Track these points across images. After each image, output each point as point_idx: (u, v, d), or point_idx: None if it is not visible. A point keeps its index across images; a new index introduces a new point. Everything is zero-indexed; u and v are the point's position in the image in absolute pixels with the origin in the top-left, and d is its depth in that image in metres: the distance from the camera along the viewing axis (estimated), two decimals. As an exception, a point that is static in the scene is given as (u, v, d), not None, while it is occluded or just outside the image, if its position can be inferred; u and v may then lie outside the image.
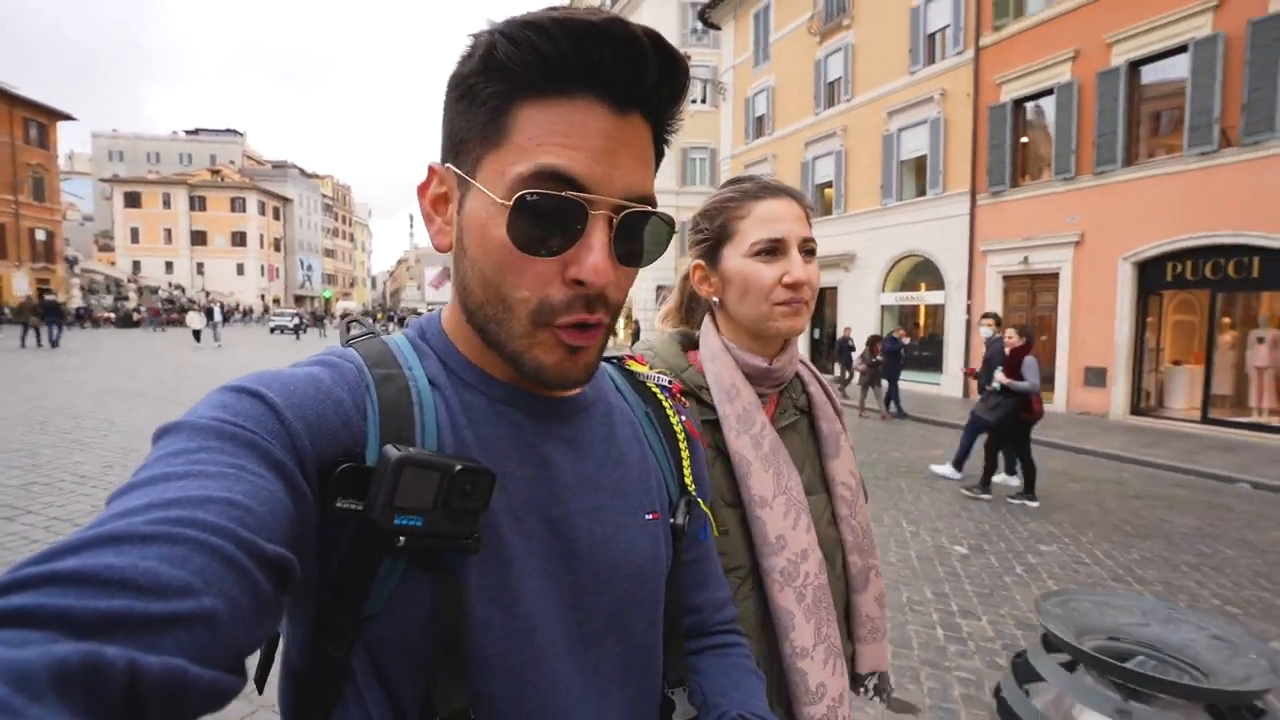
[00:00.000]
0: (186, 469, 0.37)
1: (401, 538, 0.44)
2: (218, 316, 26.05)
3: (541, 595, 0.51)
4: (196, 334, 23.25)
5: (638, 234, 0.50)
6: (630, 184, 0.48)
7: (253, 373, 0.47)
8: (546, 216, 0.46)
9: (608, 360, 0.69)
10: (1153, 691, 0.93)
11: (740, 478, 0.90)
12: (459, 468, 0.45)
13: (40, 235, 34.86)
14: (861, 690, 1.01)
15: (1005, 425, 5.93)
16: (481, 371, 0.54)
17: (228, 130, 70.59)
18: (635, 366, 0.70)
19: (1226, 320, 10.46)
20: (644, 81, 0.46)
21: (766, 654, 0.89)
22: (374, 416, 0.48)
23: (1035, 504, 5.83)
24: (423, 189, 0.53)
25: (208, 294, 52.25)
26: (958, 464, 6.62)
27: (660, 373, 0.71)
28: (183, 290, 53.20)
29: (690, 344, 1.04)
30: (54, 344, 19.61)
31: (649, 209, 0.49)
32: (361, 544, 0.45)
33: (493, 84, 0.46)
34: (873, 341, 11.07)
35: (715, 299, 0.98)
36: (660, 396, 0.68)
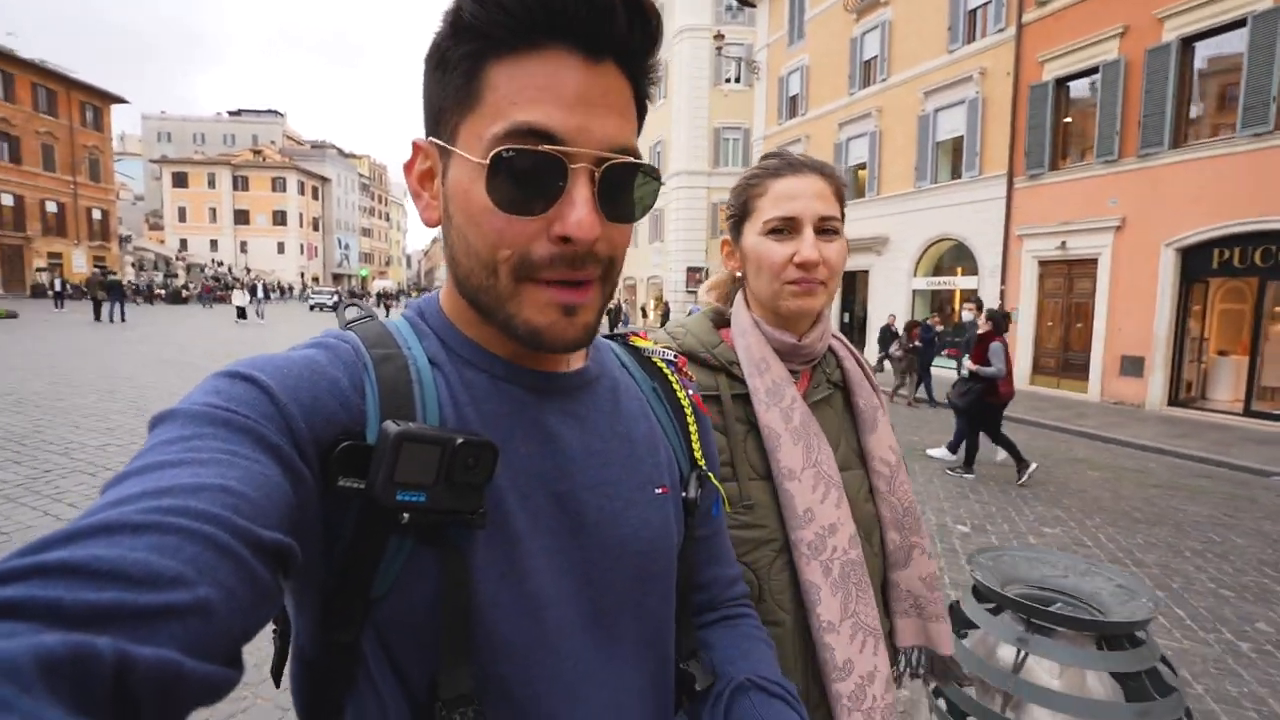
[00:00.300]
0: (180, 456, 0.36)
1: (405, 514, 0.44)
2: (260, 294, 27.05)
3: (551, 572, 0.51)
4: (241, 311, 23.72)
5: (624, 188, 0.48)
6: (610, 135, 0.47)
7: (247, 357, 0.46)
8: (525, 175, 0.45)
9: (611, 337, 0.69)
10: (1055, 626, 1.12)
11: (770, 450, 0.91)
12: (460, 441, 0.44)
13: (96, 214, 36.56)
14: (902, 664, 0.99)
15: (974, 409, 6.03)
16: (481, 348, 0.54)
17: (269, 111, 72.37)
18: (640, 342, 0.70)
19: (1279, 309, 10.11)
20: (613, 27, 0.45)
21: (799, 627, 0.89)
22: (373, 396, 0.47)
23: (971, 476, 6.07)
24: (409, 166, 0.53)
25: (250, 271, 54.03)
26: (952, 447, 6.71)
27: (665, 347, 0.70)
28: (229, 269, 55.11)
29: (723, 321, 1.04)
30: (122, 319, 21.17)
31: (632, 160, 0.48)
32: (366, 523, 0.45)
33: (462, 46, 0.46)
34: (910, 327, 11.03)
35: (739, 274, 1.00)
36: (666, 371, 0.67)
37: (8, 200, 30.75)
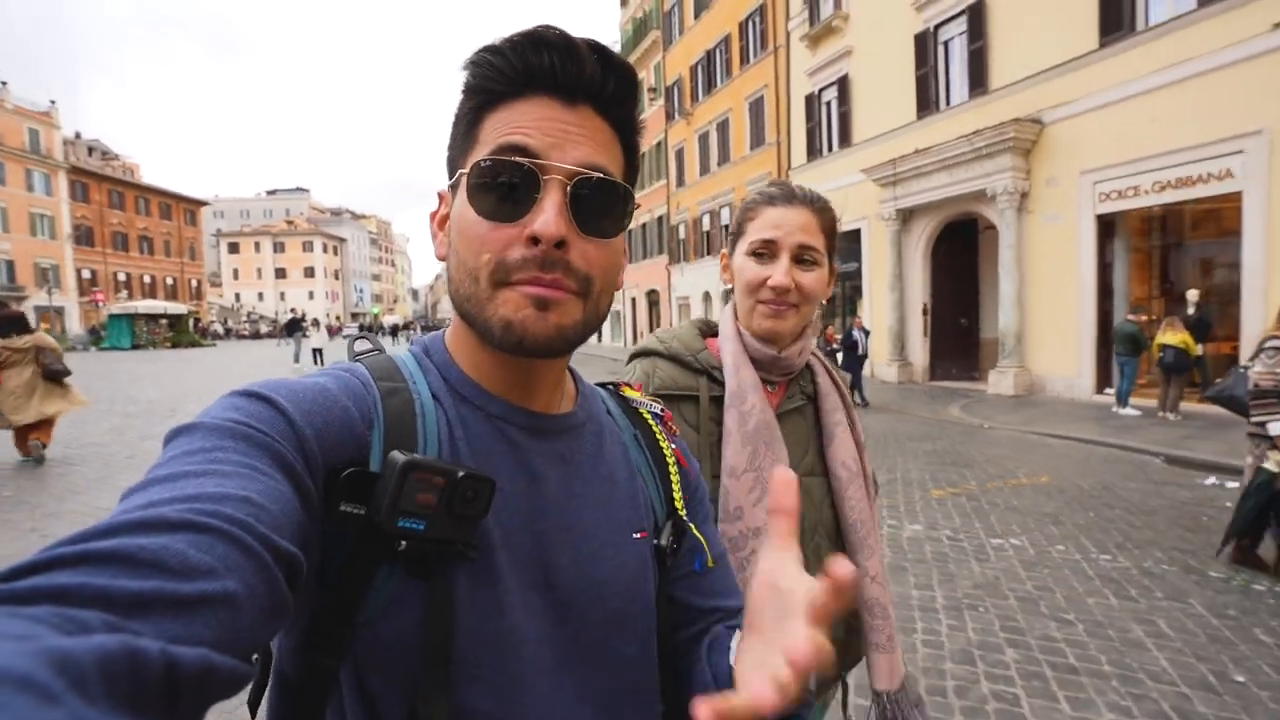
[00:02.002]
0: (203, 467, 0.38)
1: (403, 541, 0.45)
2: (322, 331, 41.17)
3: (527, 610, 0.52)
4: (317, 353, 21.45)
5: (598, 203, 0.52)
6: (583, 157, 0.51)
7: (261, 380, 0.48)
8: (504, 185, 0.50)
9: (602, 385, 0.71)
10: None
11: (722, 446, 0.99)
12: (462, 474, 0.46)
13: (193, 282, 53.93)
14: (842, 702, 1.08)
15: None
16: (478, 386, 0.56)
17: (296, 188, 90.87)
18: (630, 393, 0.72)
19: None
20: (583, 76, 0.51)
21: None
22: (380, 427, 0.50)
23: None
24: (434, 215, 0.60)
25: (294, 310, 71.48)
26: None
27: (653, 400, 0.72)
28: (294, 311, 72.92)
29: (710, 331, 1.14)
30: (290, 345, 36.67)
31: (601, 175, 0.52)
32: (362, 549, 0.47)
33: (468, 104, 0.54)
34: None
35: (729, 285, 1.07)
36: (651, 422, 0.69)
37: (148, 279, 48.08)
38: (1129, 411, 8.94)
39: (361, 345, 0.60)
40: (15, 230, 37.75)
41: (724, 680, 0.55)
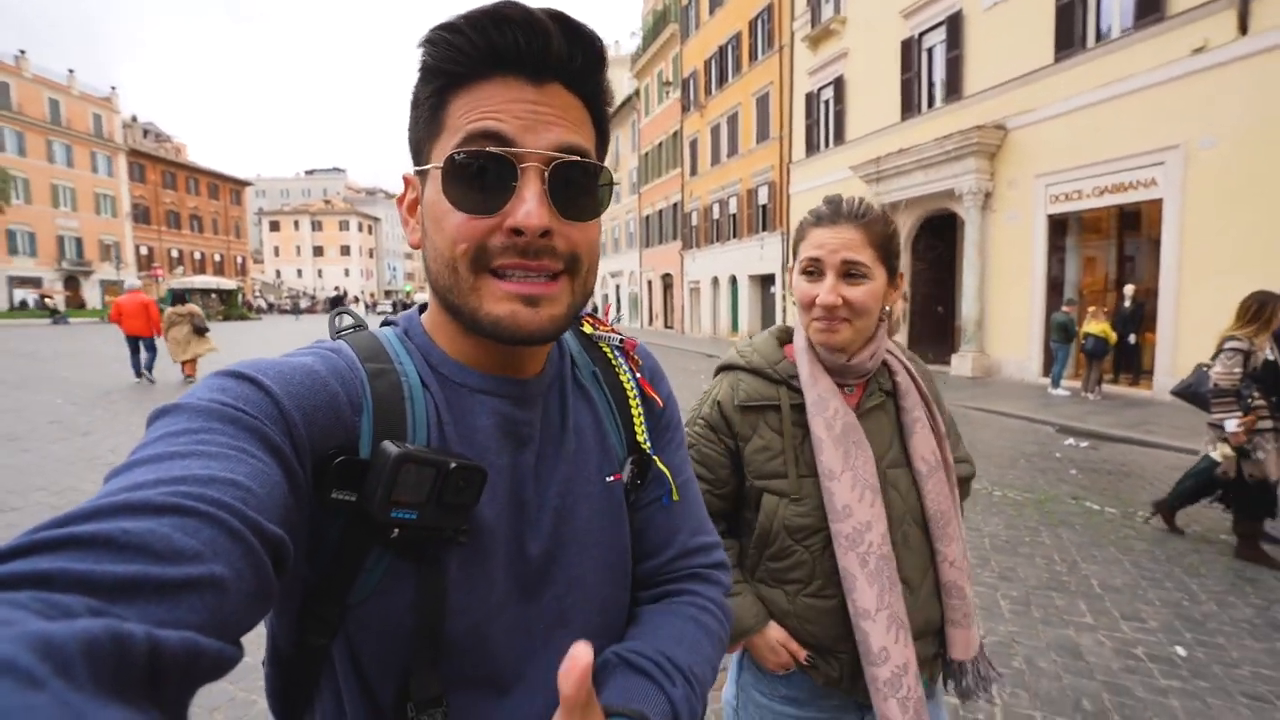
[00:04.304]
0: (190, 448, 0.38)
1: (396, 530, 0.46)
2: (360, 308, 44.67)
3: (515, 579, 0.54)
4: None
5: (577, 186, 0.51)
6: (559, 139, 0.50)
7: (247, 360, 0.47)
8: (479, 175, 0.48)
9: None
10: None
11: (815, 453, 1.03)
12: (454, 465, 0.47)
13: (239, 259, 57.04)
14: (944, 678, 1.11)
15: None
16: (458, 363, 0.56)
17: (333, 169, 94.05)
18: (588, 327, 0.69)
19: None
20: (550, 52, 0.49)
21: (841, 608, 1.02)
22: (368, 413, 0.49)
23: None
24: (400, 199, 0.58)
25: (338, 288, 74.52)
26: None
27: (613, 331, 0.70)
28: (338, 288, 75.90)
29: (787, 338, 1.17)
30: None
31: (579, 158, 0.50)
32: (352, 534, 0.47)
33: (428, 86, 0.51)
34: None
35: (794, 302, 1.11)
36: (610, 355, 0.68)
37: (198, 255, 51.17)
38: (1060, 392, 10.11)
39: (344, 321, 0.60)
40: (82, 209, 40.89)
41: None
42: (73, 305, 39.74)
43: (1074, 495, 5.19)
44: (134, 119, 53.97)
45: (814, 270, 1.05)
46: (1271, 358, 3.67)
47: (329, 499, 0.46)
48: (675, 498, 0.66)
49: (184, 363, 10.83)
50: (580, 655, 0.41)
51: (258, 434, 0.42)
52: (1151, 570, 3.73)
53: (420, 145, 0.54)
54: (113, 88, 43.72)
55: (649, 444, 0.65)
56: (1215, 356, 3.76)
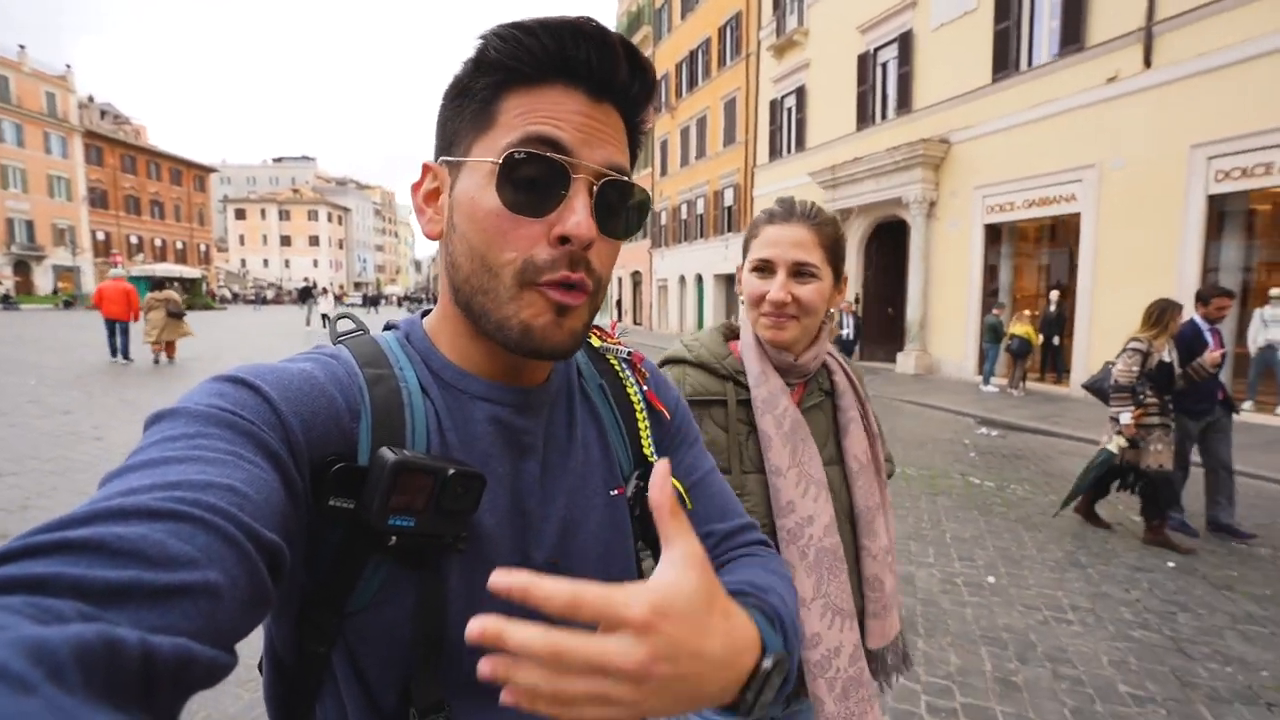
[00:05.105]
0: (186, 453, 0.37)
1: (393, 537, 0.46)
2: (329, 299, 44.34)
3: None
4: (325, 318, 22.63)
5: (617, 206, 0.53)
6: (608, 157, 0.51)
7: (244, 364, 0.47)
8: (533, 179, 0.49)
9: None
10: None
11: (763, 450, 1.06)
12: (452, 471, 0.46)
13: (202, 247, 55.70)
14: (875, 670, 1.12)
15: None
16: (460, 370, 0.56)
17: (303, 157, 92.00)
18: (596, 340, 0.70)
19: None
20: (616, 75, 0.51)
21: None
22: (367, 418, 0.49)
23: None
24: (416, 186, 0.57)
25: (307, 279, 73.14)
26: None
27: (619, 344, 0.70)
28: (307, 280, 74.36)
29: (733, 334, 1.20)
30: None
31: (626, 179, 0.53)
32: (351, 542, 0.47)
33: (484, 79, 0.51)
34: None
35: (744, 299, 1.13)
36: (618, 368, 0.68)
37: (159, 242, 49.86)
38: (990, 388, 11.00)
39: (344, 325, 0.59)
40: (34, 191, 39.53)
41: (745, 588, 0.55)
42: (22, 291, 38.45)
43: (962, 472, 5.95)
44: (90, 99, 52.18)
45: (764, 268, 1.09)
46: (1169, 359, 4.03)
47: (327, 506, 0.46)
48: (689, 505, 0.66)
49: (164, 344, 11.67)
50: (661, 461, 0.43)
51: (255, 440, 0.42)
52: (999, 527, 4.48)
53: (458, 135, 0.53)
54: (68, 65, 42.38)
55: (655, 457, 0.65)
56: (1120, 355, 4.10)
